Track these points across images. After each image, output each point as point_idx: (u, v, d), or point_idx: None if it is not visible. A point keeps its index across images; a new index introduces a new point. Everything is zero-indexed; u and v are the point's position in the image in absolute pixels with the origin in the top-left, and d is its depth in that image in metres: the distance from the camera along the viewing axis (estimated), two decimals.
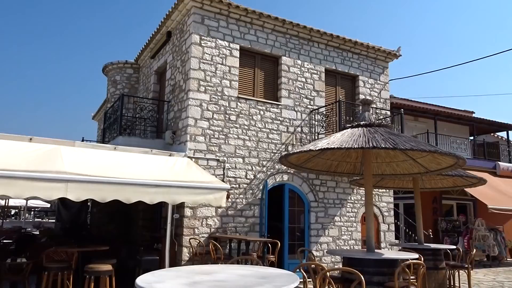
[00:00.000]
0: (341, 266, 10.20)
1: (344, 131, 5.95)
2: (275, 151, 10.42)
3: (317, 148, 5.35)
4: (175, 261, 8.50)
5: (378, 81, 12.64)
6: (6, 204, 21.69)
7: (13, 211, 34.36)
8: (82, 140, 13.62)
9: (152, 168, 7.31)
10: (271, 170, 10.29)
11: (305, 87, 11.20)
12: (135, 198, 5.88)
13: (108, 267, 6.14)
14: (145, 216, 10.80)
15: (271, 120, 10.48)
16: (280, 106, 10.69)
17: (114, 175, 5.98)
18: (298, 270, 4.79)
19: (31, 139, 6.98)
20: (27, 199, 18.69)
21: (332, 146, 5.20)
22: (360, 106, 11.21)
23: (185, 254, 8.67)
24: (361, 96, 12.10)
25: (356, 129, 5.84)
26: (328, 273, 3.98)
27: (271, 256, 8.56)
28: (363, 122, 6.07)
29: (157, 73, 12.37)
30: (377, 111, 12.02)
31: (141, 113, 10.96)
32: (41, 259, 6.58)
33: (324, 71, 11.63)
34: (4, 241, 10.28)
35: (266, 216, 9.73)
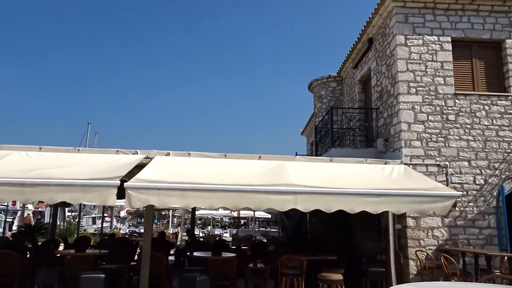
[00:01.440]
0: None
1: None
2: (509, 151, 8.86)
3: None
4: (402, 274, 8.07)
5: None
6: (238, 215, 25.17)
7: (242, 221, 39.64)
8: (296, 155, 14.62)
9: (370, 177, 7.19)
10: (506, 172, 8.77)
11: None
12: (359, 208, 5.85)
13: (339, 276, 6.28)
14: (362, 225, 10.71)
15: (499, 115, 9.00)
16: (510, 98, 9.09)
17: (336, 185, 6.11)
18: None
19: (260, 157, 7.86)
20: (254, 211, 21.17)
21: None
22: None
23: (412, 267, 8.14)
24: None
25: None
26: None
27: None
28: None
29: (361, 82, 12.31)
30: None
31: (349, 123, 11.05)
32: (277, 265, 7.22)
33: None
34: (242, 247, 11.81)
35: (507, 226, 8.29)
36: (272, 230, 28.65)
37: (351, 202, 5.75)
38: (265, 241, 16.21)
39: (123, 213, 52.58)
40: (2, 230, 25.14)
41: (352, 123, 11.02)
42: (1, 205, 27.41)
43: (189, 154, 7.78)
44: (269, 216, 28.87)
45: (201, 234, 28.35)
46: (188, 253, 9.37)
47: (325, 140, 11.27)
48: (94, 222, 37.85)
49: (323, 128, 11.63)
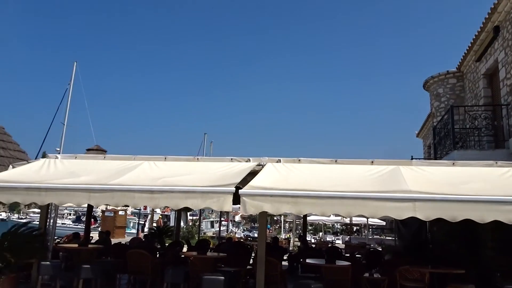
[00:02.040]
0: None
1: None
2: None
3: None
4: None
5: None
6: (350, 222, 24.52)
7: (354, 228, 38.48)
8: (412, 159, 13.69)
9: (502, 182, 6.38)
10: None
11: None
12: (490, 217, 5.23)
13: None
14: (494, 236, 9.52)
15: None
16: None
17: (462, 192, 5.55)
18: None
19: (372, 162, 7.54)
20: (364, 217, 20.33)
21: None
22: None
23: None
24: None
25: None
26: None
27: None
28: None
29: (486, 75, 11.05)
30: None
31: (473, 123, 9.99)
32: (395, 276, 6.82)
33: None
34: (356, 255, 11.43)
35: None
36: (387, 238, 27.22)
37: (481, 210, 5.17)
38: (380, 249, 15.46)
39: (237, 218, 55.07)
40: (136, 232, 28.27)
41: (477, 122, 9.95)
42: (135, 209, 30.89)
43: (299, 160, 7.82)
44: (384, 223, 27.49)
45: (312, 240, 28.23)
46: (301, 259, 9.39)
47: (445, 142, 10.36)
48: (212, 226, 40.32)
49: (442, 129, 10.72)
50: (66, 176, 7.01)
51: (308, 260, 8.56)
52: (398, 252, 12.79)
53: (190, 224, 28.57)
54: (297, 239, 22.34)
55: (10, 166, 8.29)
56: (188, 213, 28.66)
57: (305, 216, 15.50)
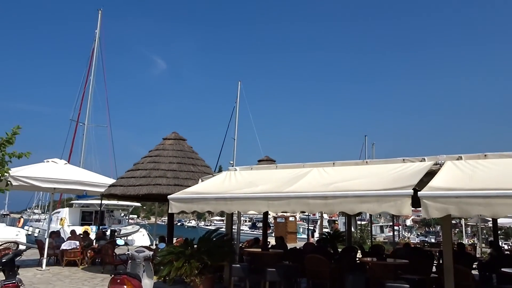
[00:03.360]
0: None
1: None
2: None
3: None
4: None
5: None
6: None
7: None
8: None
9: None
10: None
11: None
12: None
13: None
14: None
15: None
16: None
17: None
18: None
19: None
20: None
21: None
22: None
23: None
24: None
25: None
26: None
27: None
28: None
29: None
30: None
31: None
32: None
33: None
34: None
35: None
36: None
37: None
38: None
39: (409, 222, 51.67)
40: (306, 237, 29.12)
41: None
42: (303, 215, 31.93)
43: (485, 156, 6.90)
44: None
45: (505, 247, 24.44)
46: (497, 268, 8.19)
47: None
48: (382, 231, 38.75)
49: None
50: (246, 186, 7.68)
51: (507, 270, 7.43)
52: None
53: (362, 228, 27.95)
54: (483, 245, 19.68)
55: (200, 180, 9.53)
56: (357, 218, 28.16)
57: (495, 219, 13.57)
